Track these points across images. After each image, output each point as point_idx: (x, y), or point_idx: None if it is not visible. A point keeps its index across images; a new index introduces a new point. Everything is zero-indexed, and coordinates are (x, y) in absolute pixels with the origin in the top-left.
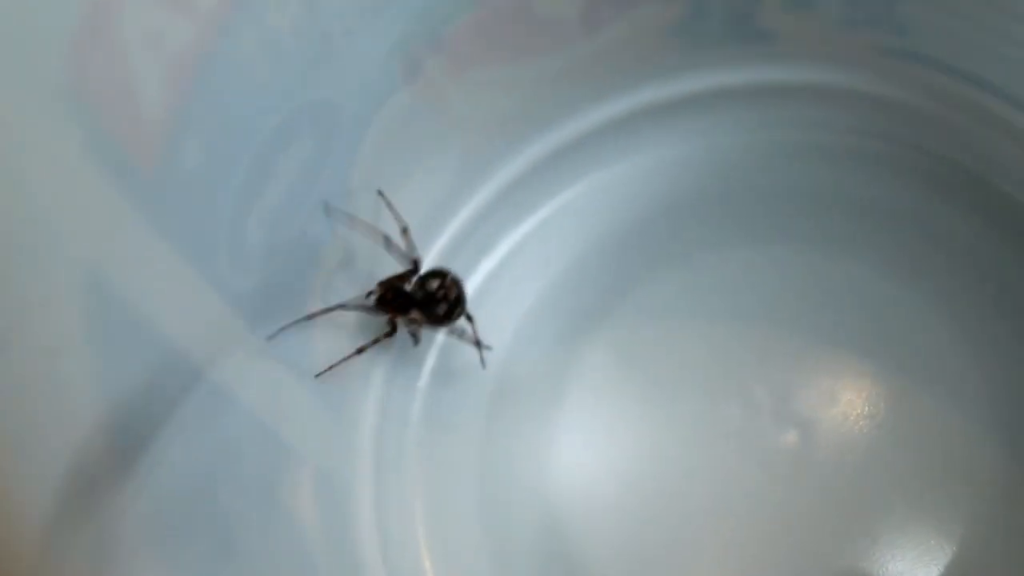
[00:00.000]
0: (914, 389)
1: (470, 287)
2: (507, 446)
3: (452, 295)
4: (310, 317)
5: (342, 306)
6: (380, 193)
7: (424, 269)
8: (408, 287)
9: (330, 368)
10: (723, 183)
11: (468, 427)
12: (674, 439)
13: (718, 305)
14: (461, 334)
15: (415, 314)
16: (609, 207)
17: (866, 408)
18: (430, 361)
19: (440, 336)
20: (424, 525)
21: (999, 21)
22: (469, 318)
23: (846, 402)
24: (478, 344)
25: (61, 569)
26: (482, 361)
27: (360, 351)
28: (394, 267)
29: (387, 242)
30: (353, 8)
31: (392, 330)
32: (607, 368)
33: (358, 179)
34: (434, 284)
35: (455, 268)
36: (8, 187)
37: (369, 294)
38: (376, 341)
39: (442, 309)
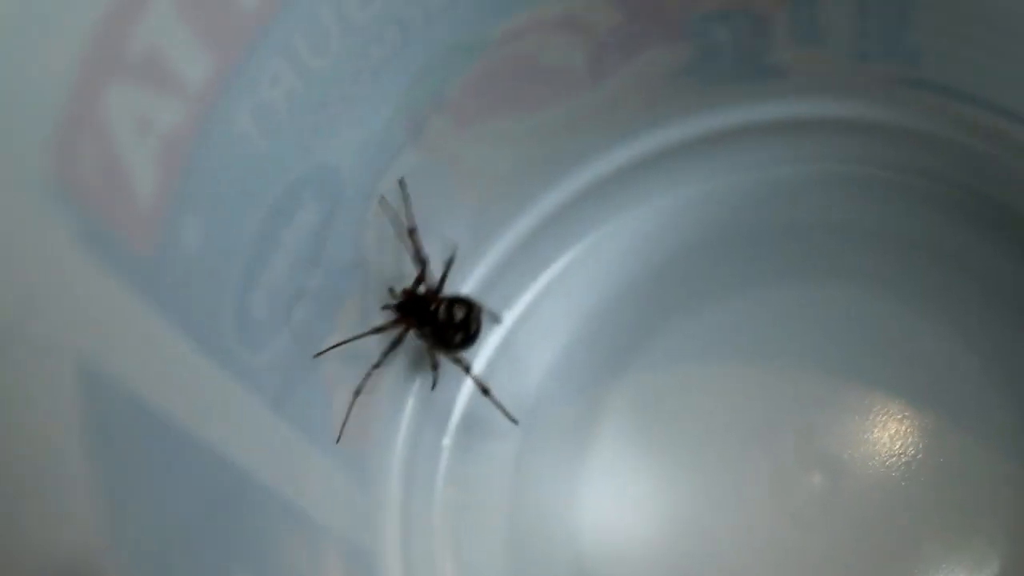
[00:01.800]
0: (943, 425)
1: (493, 340)
2: (536, 501)
3: (472, 329)
4: (332, 348)
5: (361, 336)
6: (382, 198)
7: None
8: (430, 302)
9: (344, 423)
10: (742, 221)
11: (496, 484)
12: (701, 484)
13: (742, 345)
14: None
15: (427, 331)
16: (630, 251)
17: (895, 446)
18: (455, 418)
19: (464, 392)
20: None
21: (1010, 46)
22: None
23: (873, 441)
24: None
25: None
26: (511, 417)
27: (378, 366)
28: None
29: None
30: (349, 75)
31: (399, 339)
32: (633, 415)
33: (371, 241)
34: (459, 313)
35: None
36: None
37: (386, 306)
38: (386, 353)
39: (458, 338)
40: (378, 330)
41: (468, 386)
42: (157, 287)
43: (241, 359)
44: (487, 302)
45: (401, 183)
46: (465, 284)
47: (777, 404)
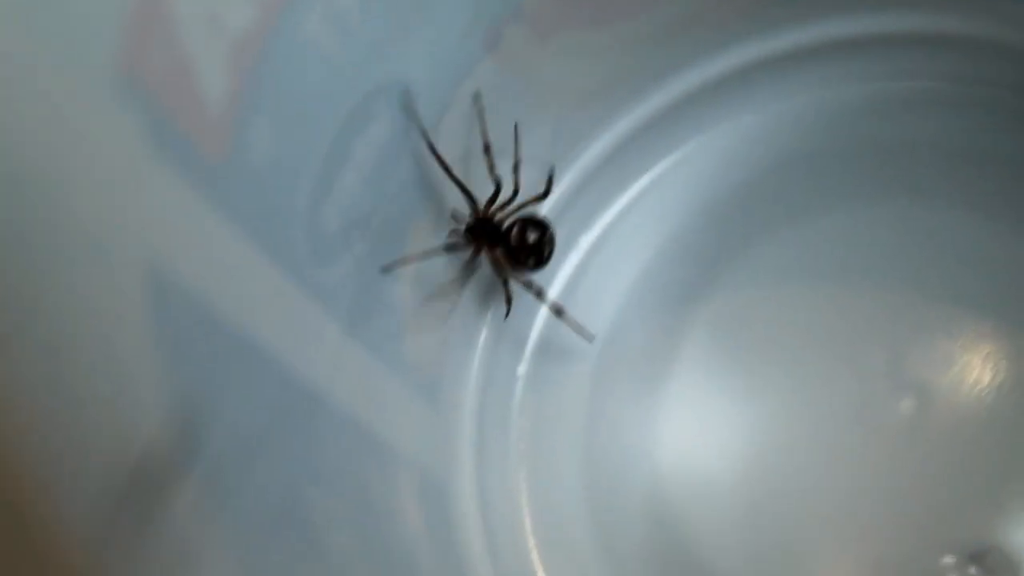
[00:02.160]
0: None
1: (570, 262)
2: (612, 428)
3: (545, 252)
4: (401, 263)
5: (430, 253)
6: (476, 97)
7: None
8: (503, 221)
9: (399, 263)
10: (822, 141)
11: (571, 412)
12: (785, 410)
13: (828, 266)
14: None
15: (499, 253)
16: (712, 171)
17: (985, 370)
18: (529, 346)
19: (539, 320)
20: (530, 513)
21: None
22: (559, 312)
23: (963, 364)
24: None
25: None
26: (587, 335)
27: (454, 288)
28: None
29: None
30: None
31: (471, 263)
32: (713, 341)
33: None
34: (532, 236)
35: None
36: (65, 180)
37: (453, 231)
38: (470, 276)
39: (531, 261)
40: (449, 248)
41: (542, 314)
42: (227, 193)
43: (313, 273)
44: (564, 222)
45: (476, 98)
46: (543, 206)
47: (864, 327)
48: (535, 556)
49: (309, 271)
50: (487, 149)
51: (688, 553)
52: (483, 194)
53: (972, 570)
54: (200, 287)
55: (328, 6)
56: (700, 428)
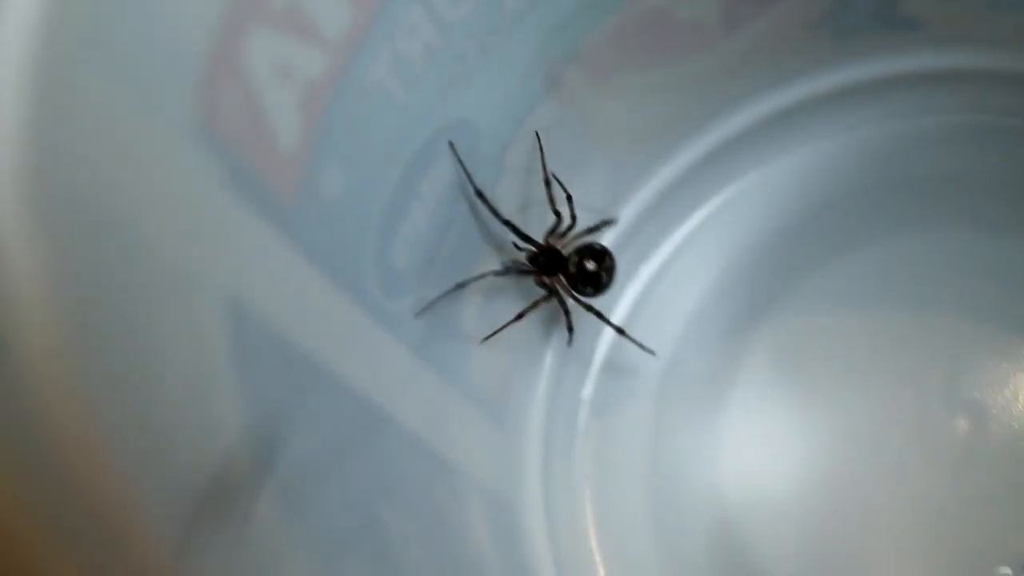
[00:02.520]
0: None
1: (631, 293)
2: (675, 450)
3: (603, 281)
4: (460, 286)
5: (493, 272)
6: (537, 134)
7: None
8: (563, 250)
9: (494, 333)
10: (879, 173)
11: (635, 433)
12: (843, 432)
13: (882, 296)
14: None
15: (560, 281)
16: (765, 206)
17: None
18: (593, 370)
19: (602, 344)
20: (596, 533)
21: None
22: (621, 331)
23: (1017, 384)
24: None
25: None
26: (648, 350)
27: (520, 317)
28: None
29: (545, 185)
30: (486, 27)
31: (549, 294)
32: (772, 365)
33: (504, 196)
34: (591, 265)
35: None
36: (150, 223)
37: (515, 261)
38: (535, 305)
39: (588, 290)
40: (503, 272)
41: (605, 339)
42: (300, 232)
43: (383, 305)
44: (625, 253)
45: (536, 135)
46: (604, 237)
47: (920, 350)
48: (601, 573)
49: (380, 301)
50: (548, 183)
51: (751, 570)
52: (543, 226)
53: None
54: (276, 317)
55: (394, 54)
56: (761, 450)
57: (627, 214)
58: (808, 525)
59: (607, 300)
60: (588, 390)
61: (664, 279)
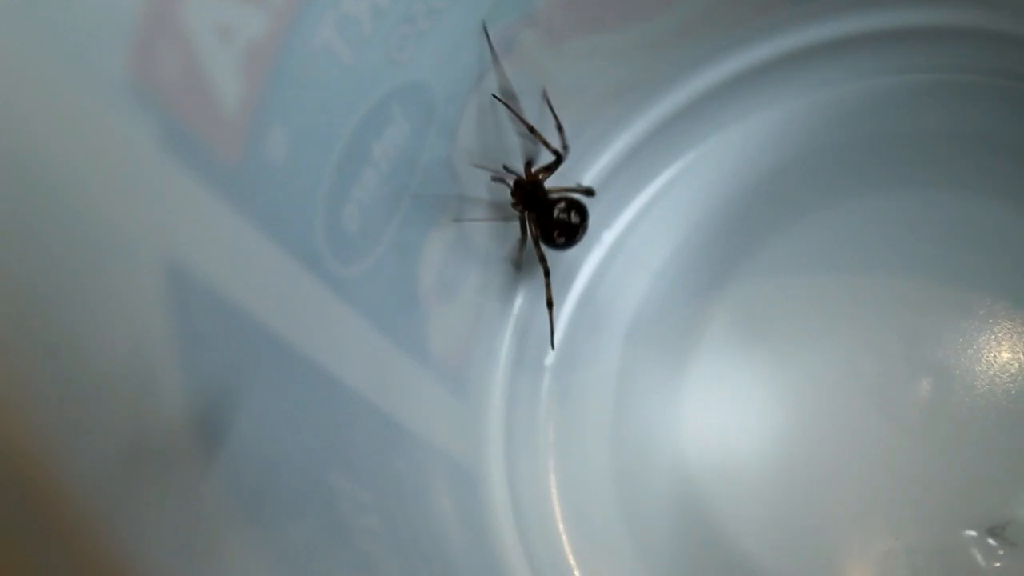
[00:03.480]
0: None
1: (594, 258)
2: (638, 415)
3: (577, 236)
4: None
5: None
6: (494, 96)
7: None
8: (549, 193)
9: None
10: (844, 132)
11: (598, 400)
12: (806, 393)
13: (846, 254)
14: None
15: (533, 218)
16: (730, 167)
17: (1001, 351)
18: (556, 337)
19: (564, 311)
20: (559, 501)
21: None
22: (549, 305)
23: (980, 345)
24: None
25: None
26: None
27: (517, 266)
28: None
29: (532, 132)
30: None
31: (523, 232)
32: (734, 329)
33: (461, 161)
34: (574, 217)
35: None
36: (81, 184)
37: (501, 175)
38: (522, 246)
39: (560, 240)
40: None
41: (568, 306)
42: (246, 195)
43: (335, 270)
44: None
45: (495, 97)
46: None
47: (883, 311)
48: (565, 540)
49: (332, 268)
50: (532, 129)
51: (715, 534)
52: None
53: (992, 542)
54: (221, 283)
55: (340, 14)
56: (724, 413)
57: (589, 179)
58: (771, 488)
59: (570, 266)
60: (550, 357)
61: (626, 244)
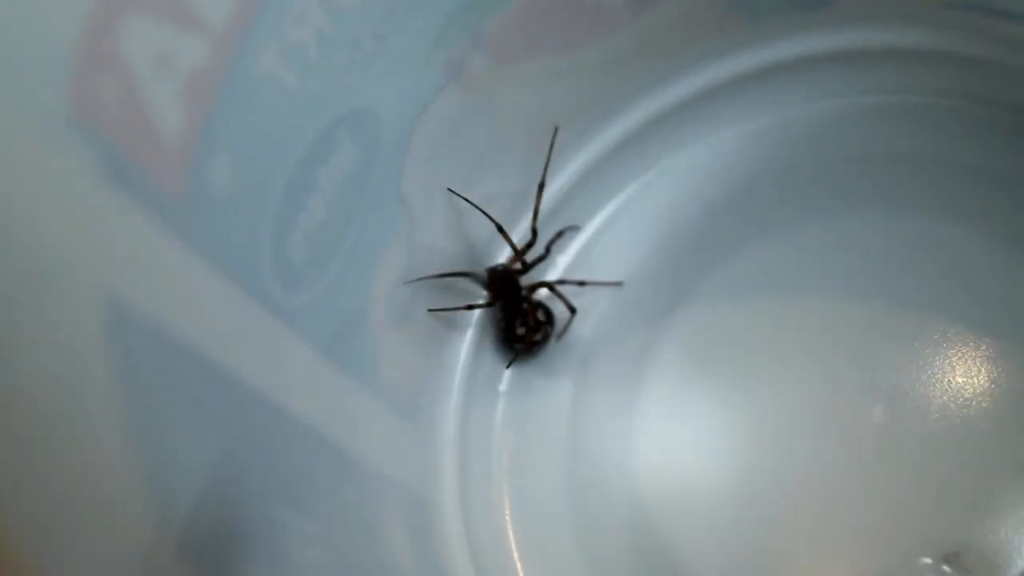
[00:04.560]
0: (1006, 352)
1: (551, 278)
2: (592, 442)
3: (536, 348)
4: (439, 276)
5: (462, 273)
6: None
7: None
8: (523, 289)
9: (440, 310)
10: (797, 154)
11: (552, 427)
12: (758, 419)
13: (799, 278)
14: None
15: (502, 310)
16: (684, 190)
17: (955, 375)
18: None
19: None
20: (514, 529)
21: None
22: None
23: (934, 370)
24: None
25: None
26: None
27: (471, 307)
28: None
29: (500, 230)
30: (380, 13)
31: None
32: (690, 351)
33: (411, 186)
34: (536, 333)
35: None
36: (18, 219)
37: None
38: (481, 306)
39: (518, 346)
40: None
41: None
42: (189, 226)
43: (281, 301)
44: (537, 250)
45: (452, 191)
46: (518, 226)
47: (836, 335)
48: (519, 567)
49: (278, 297)
50: (500, 228)
51: (669, 560)
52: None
53: (947, 570)
54: (162, 315)
55: (284, 42)
56: (678, 439)
57: (543, 201)
58: (725, 515)
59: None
60: (504, 384)
61: (579, 270)
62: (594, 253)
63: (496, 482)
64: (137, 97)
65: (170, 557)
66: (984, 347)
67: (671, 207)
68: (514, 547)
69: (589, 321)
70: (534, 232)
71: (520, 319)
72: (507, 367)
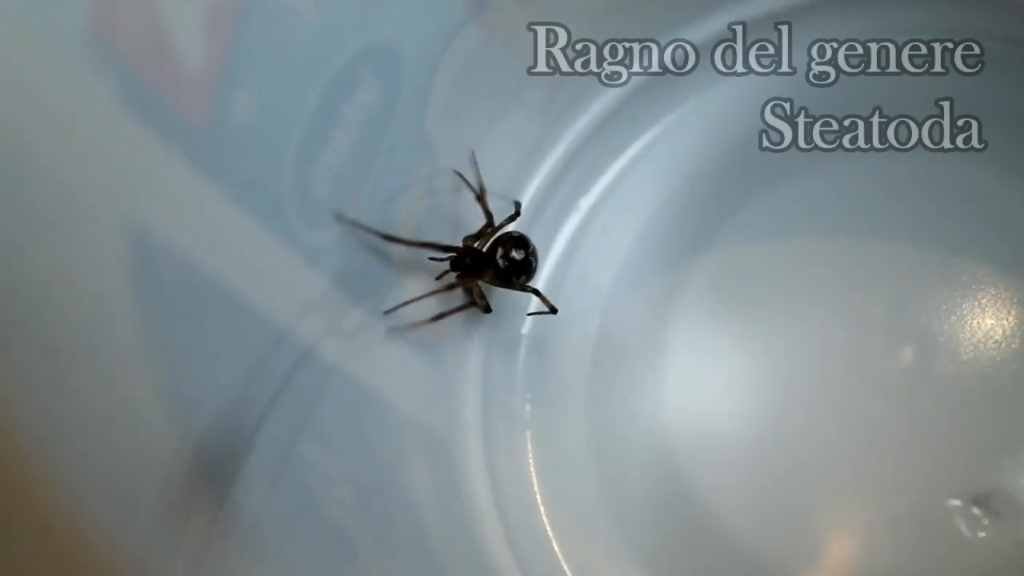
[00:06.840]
0: None
1: (568, 225)
2: (615, 385)
3: (532, 267)
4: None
5: (431, 293)
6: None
7: (508, 227)
8: (486, 250)
9: (400, 306)
10: (823, 95)
11: (575, 372)
12: (784, 363)
13: (824, 220)
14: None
15: (490, 276)
16: (709, 131)
17: (985, 317)
18: (532, 304)
19: (540, 280)
20: (537, 474)
21: None
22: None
23: (963, 312)
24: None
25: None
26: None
27: (439, 317)
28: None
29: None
30: None
31: (470, 302)
32: (714, 294)
33: (434, 124)
34: (518, 255)
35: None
36: (39, 145)
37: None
38: (457, 310)
39: (522, 278)
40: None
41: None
42: (210, 157)
43: (303, 236)
44: (560, 190)
45: (472, 157)
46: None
47: (863, 277)
48: (542, 511)
49: (300, 232)
50: (481, 195)
51: (692, 504)
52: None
53: (976, 512)
54: (183, 244)
55: None
56: (701, 383)
57: (564, 144)
58: (751, 458)
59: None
60: (527, 326)
61: (602, 212)
62: (617, 195)
63: (518, 428)
64: (159, 24)
65: (195, 480)
66: (1014, 288)
67: (695, 149)
68: (536, 489)
69: (613, 262)
70: (488, 214)
71: (507, 264)
72: (528, 314)
